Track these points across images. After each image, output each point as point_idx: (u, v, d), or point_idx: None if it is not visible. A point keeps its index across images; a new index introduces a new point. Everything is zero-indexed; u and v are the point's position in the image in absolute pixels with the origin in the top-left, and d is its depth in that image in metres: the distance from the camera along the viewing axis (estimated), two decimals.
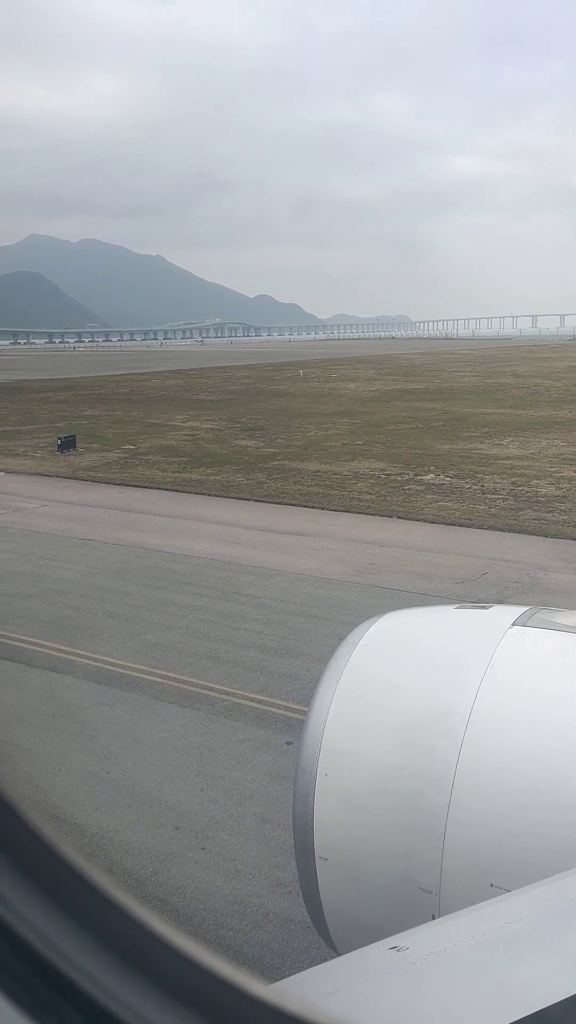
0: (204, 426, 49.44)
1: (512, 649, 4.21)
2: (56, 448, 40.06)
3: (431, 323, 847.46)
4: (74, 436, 41.22)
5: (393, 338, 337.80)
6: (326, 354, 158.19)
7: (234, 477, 33.11)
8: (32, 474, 34.80)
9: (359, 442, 41.90)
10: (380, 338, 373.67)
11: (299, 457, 37.43)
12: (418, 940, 2.37)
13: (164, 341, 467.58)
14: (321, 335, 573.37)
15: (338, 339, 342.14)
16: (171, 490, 31.05)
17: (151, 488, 31.36)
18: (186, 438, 44.57)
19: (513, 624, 4.41)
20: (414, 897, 3.88)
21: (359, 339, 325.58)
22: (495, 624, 4.46)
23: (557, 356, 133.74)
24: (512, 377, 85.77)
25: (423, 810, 3.91)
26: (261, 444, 41.96)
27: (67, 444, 40.30)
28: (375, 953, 2.27)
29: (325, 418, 52.30)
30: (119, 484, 32.28)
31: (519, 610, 4.63)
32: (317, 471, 33.90)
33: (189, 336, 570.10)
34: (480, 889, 3.40)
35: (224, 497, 29.66)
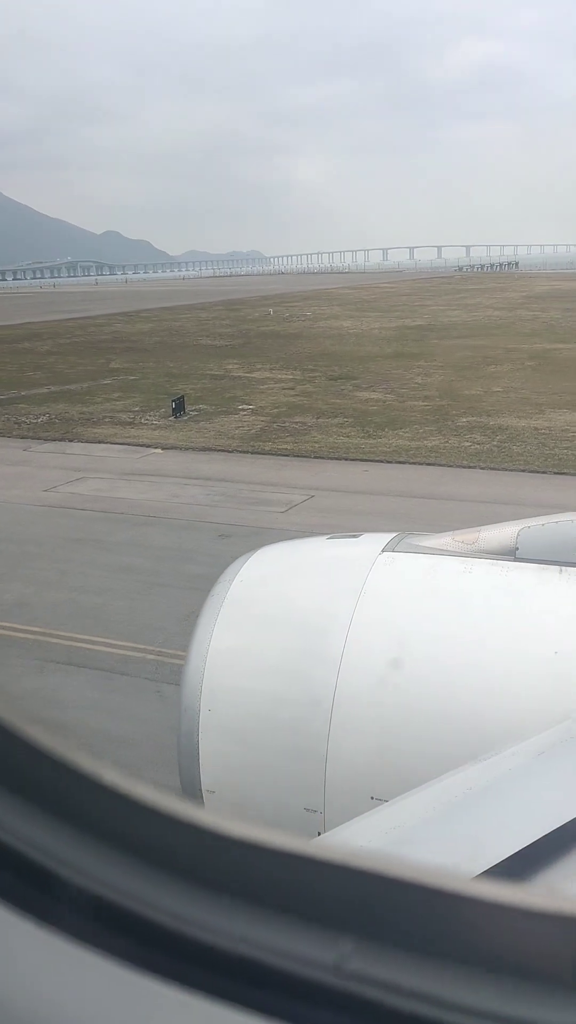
0: (285, 376, 42.79)
1: (382, 574, 4.21)
2: (171, 413, 32.84)
3: (284, 258, 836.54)
4: (183, 397, 33.95)
5: (282, 274, 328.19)
6: (241, 291, 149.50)
7: (454, 440, 27.45)
8: (188, 448, 27.77)
9: (497, 389, 36.86)
10: (259, 274, 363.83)
11: (477, 411, 32.01)
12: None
13: (16, 282, 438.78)
14: (185, 272, 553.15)
15: (228, 275, 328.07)
16: (417, 463, 25.08)
17: (394, 463, 25.20)
18: (290, 392, 38.01)
19: (383, 550, 4.36)
20: (300, 818, 3.87)
21: (246, 276, 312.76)
22: (365, 551, 4.41)
23: (486, 288, 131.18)
24: (493, 311, 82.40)
25: (305, 735, 3.90)
26: (389, 397, 36.17)
27: (180, 407, 33.14)
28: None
29: (397, 361, 46.86)
30: (333, 459, 25.91)
31: (388, 536, 4.54)
32: (536, 428, 28.75)
33: (39, 276, 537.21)
34: (362, 803, 3.40)
35: (499, 469, 24.03)
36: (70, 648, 13.31)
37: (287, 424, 30.91)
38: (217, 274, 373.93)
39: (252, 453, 26.91)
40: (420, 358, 48.11)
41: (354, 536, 4.85)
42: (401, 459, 25.67)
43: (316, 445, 27.71)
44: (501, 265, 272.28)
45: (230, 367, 46.88)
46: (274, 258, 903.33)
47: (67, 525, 19.54)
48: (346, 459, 25.95)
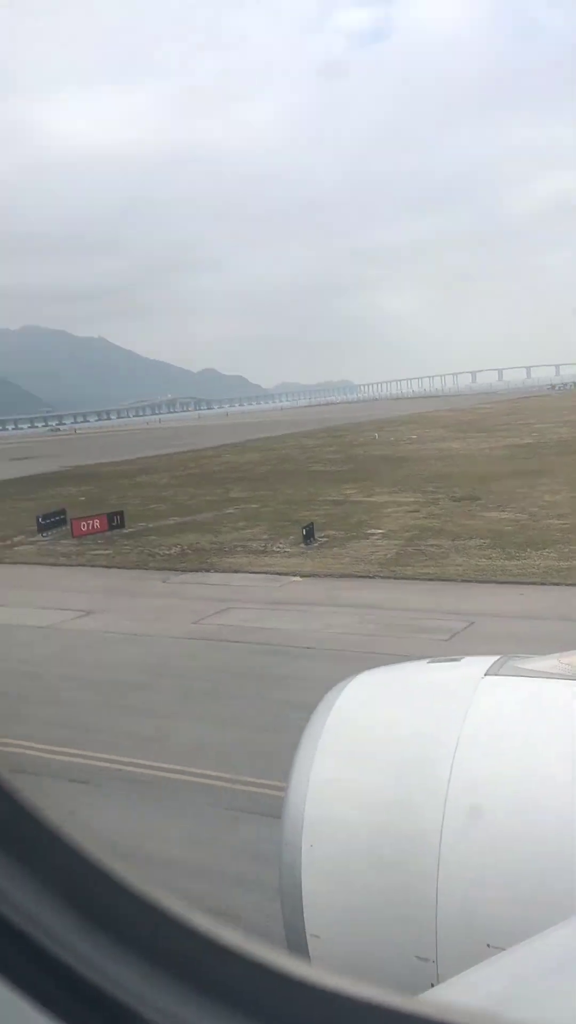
0: (407, 499, 42.30)
1: (487, 699, 4.05)
2: (301, 540, 32.55)
3: (374, 385, 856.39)
4: (312, 524, 33.70)
5: (375, 400, 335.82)
6: (338, 419, 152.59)
7: None
8: (328, 576, 27.15)
9: None
10: (354, 401, 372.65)
11: None
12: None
13: (121, 420, 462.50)
14: (283, 404, 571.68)
15: (324, 404, 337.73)
16: (573, 584, 23.78)
17: (548, 585, 23.96)
18: (417, 515, 37.36)
19: (486, 674, 4.23)
20: (412, 967, 3.66)
21: (340, 403, 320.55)
22: (468, 675, 4.28)
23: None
24: None
25: (412, 874, 3.69)
26: (522, 516, 35.08)
27: (310, 534, 32.83)
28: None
29: (518, 480, 45.84)
30: (480, 582, 24.86)
31: (490, 660, 4.40)
32: None
33: (142, 413, 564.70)
34: (477, 951, 3.18)
35: None
36: (256, 795, 12.37)
37: (423, 548, 30.09)
38: (312, 404, 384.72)
39: (394, 578, 26.10)
40: (541, 475, 47.07)
41: (455, 660, 4.72)
42: (555, 580, 24.40)
43: (459, 568, 26.71)
44: None
45: (348, 492, 46.80)
46: (364, 386, 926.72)
47: (224, 659, 18.93)
48: (495, 582, 24.84)
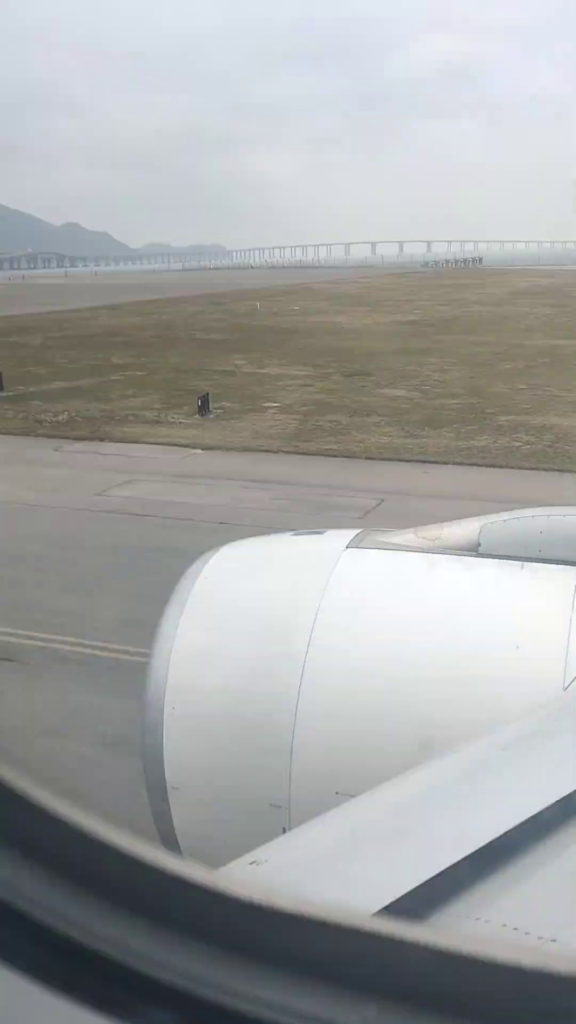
0: (299, 372, 41.71)
1: (346, 570, 4.21)
2: (196, 411, 31.62)
3: (246, 252, 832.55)
4: (208, 394, 32.71)
5: (252, 268, 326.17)
6: (217, 286, 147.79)
7: (503, 440, 26.67)
8: (230, 449, 26.60)
9: (522, 386, 36.21)
10: (228, 267, 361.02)
11: (512, 409, 31.32)
12: (274, 852, 2.39)
13: None
14: (156, 266, 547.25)
15: (200, 269, 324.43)
16: (474, 464, 24.28)
17: (452, 464, 24.35)
18: (311, 390, 36.97)
19: (347, 547, 4.35)
20: (265, 814, 3.84)
21: (216, 270, 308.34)
22: (330, 548, 4.39)
23: (464, 284, 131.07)
24: (481, 307, 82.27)
25: (270, 731, 3.91)
26: (415, 395, 35.38)
27: (205, 405, 31.93)
28: (236, 870, 2.16)
29: (407, 357, 46.01)
30: (384, 460, 24.98)
31: (352, 533, 4.55)
32: None
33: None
34: (327, 797, 3.33)
35: (564, 471, 23.29)
36: None
37: (322, 423, 29.87)
38: (187, 268, 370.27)
39: (298, 453, 25.87)
40: (429, 354, 47.31)
41: (319, 532, 4.88)
42: (457, 460, 24.85)
43: (361, 445, 26.72)
44: (466, 261, 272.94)
45: (238, 363, 45.65)
46: (235, 252, 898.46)
47: (137, 532, 18.34)
48: (398, 460, 25.05)
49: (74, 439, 28.19)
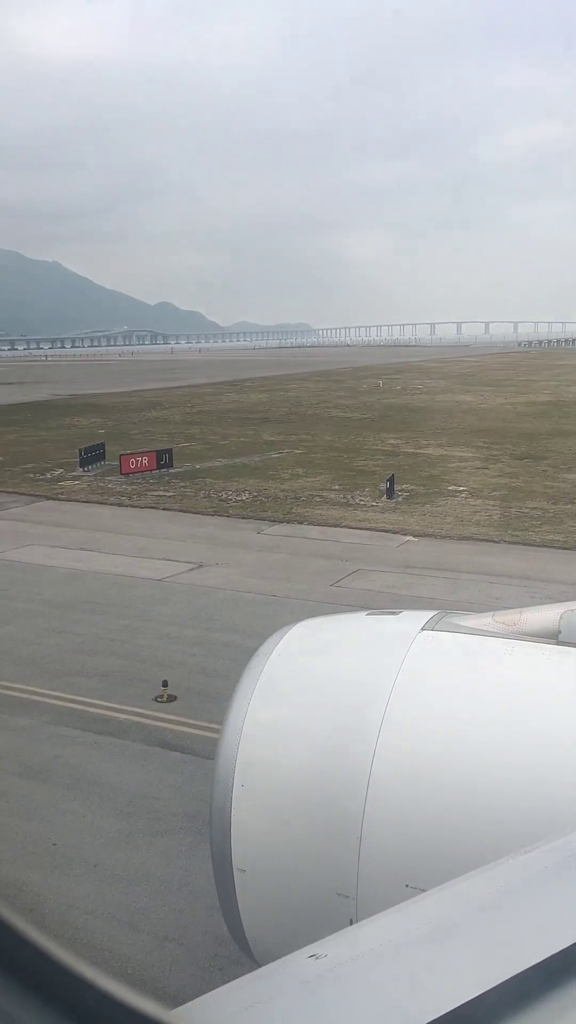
0: (465, 454, 40.08)
1: (421, 653, 4.11)
2: (384, 494, 30.15)
3: (332, 331, 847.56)
4: (393, 476, 31.26)
5: (348, 345, 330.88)
6: (322, 363, 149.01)
7: None
8: (444, 537, 24.85)
9: None
10: (322, 346, 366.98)
11: None
12: (336, 945, 2.24)
13: (76, 349, 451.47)
14: (256, 344, 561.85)
15: (296, 347, 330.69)
16: None
17: None
18: (490, 473, 35.21)
19: (422, 629, 4.28)
20: (332, 903, 3.76)
21: (311, 348, 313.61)
22: (405, 629, 4.34)
23: (572, 364, 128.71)
24: None
25: (339, 815, 3.77)
26: None
27: (391, 488, 30.44)
28: (293, 963, 2.10)
29: (566, 439, 44.14)
30: None
31: (428, 614, 4.50)
32: None
33: (97, 344, 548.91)
34: (396, 890, 3.28)
35: None
36: None
37: (525, 510, 27.97)
38: (284, 345, 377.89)
39: (521, 544, 23.96)
40: None
41: (394, 613, 4.73)
42: None
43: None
44: (567, 341, 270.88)
45: (393, 442, 44.42)
46: (321, 330, 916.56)
47: None
48: None
49: (270, 521, 26.92)
